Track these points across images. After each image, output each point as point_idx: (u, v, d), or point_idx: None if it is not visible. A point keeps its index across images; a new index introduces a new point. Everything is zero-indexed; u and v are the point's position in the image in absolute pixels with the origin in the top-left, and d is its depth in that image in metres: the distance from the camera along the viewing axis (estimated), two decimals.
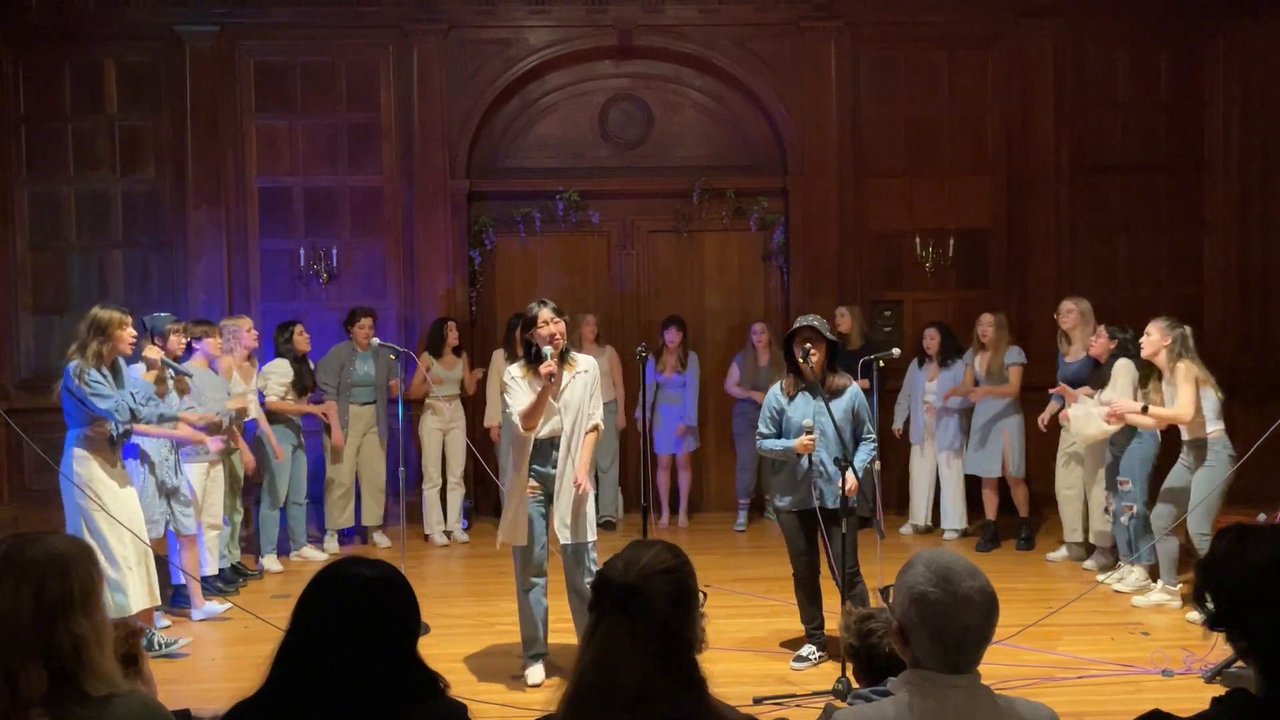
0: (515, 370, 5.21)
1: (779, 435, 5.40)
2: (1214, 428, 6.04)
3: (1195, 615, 5.98)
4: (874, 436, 5.44)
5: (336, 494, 7.87)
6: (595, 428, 5.25)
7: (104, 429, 5.34)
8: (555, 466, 5.17)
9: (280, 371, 7.37)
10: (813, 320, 5.37)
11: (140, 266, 8.70)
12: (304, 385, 7.52)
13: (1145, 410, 6.13)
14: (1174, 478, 6.21)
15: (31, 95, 8.59)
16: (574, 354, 5.30)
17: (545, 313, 5.13)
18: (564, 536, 5.14)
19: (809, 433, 5.19)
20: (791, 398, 5.37)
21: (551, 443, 5.18)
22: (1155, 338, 6.15)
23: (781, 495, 5.43)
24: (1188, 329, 6.18)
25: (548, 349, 5.06)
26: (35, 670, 1.96)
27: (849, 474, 5.09)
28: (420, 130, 8.66)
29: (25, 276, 8.64)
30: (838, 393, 5.34)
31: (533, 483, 5.17)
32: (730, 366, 8.52)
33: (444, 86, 8.67)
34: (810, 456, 5.21)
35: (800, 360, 5.28)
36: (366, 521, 8.04)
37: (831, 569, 5.30)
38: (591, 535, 5.19)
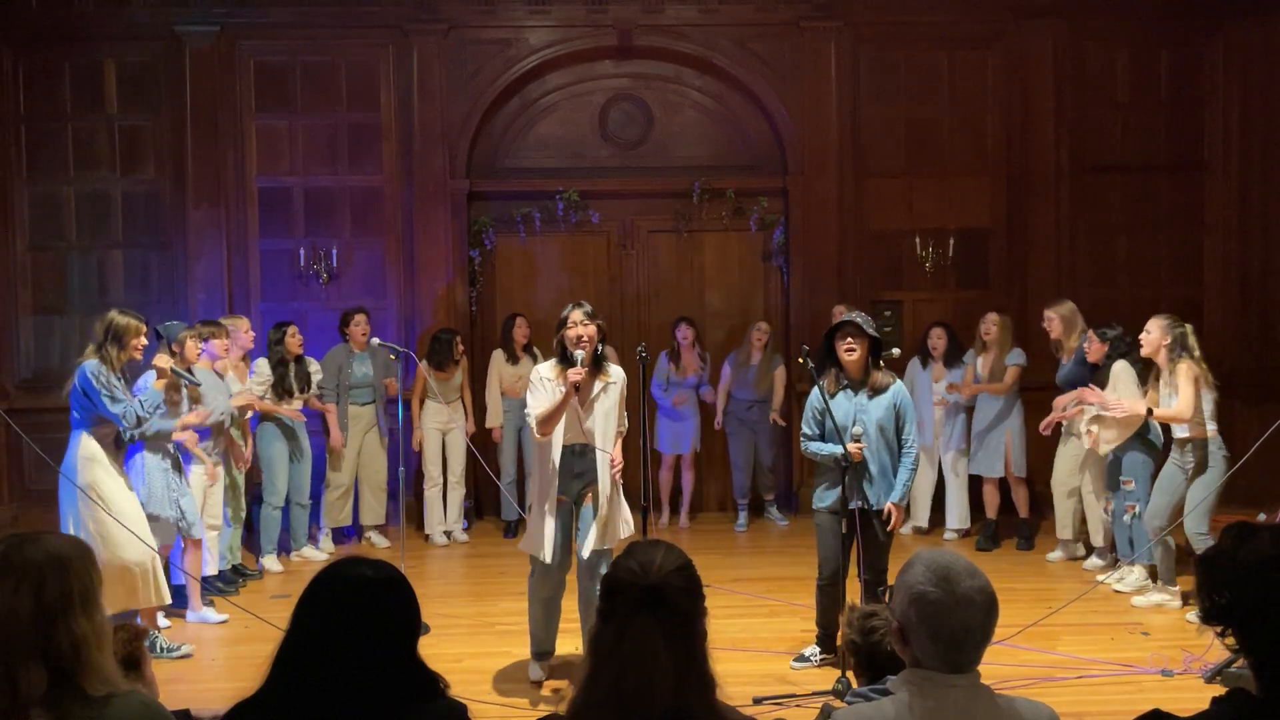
0: (545, 369, 5.03)
1: (822, 436, 5.26)
2: (1211, 428, 6.05)
3: (1195, 615, 6.00)
4: (915, 445, 5.24)
5: (335, 494, 7.86)
6: (620, 433, 5.16)
7: (110, 431, 5.38)
8: (579, 476, 5.02)
9: (260, 373, 7.32)
10: (855, 316, 5.26)
11: (140, 266, 8.69)
12: (286, 387, 7.40)
13: (1150, 413, 6.11)
14: (1166, 478, 6.19)
15: (31, 95, 8.59)
16: (608, 363, 5.13)
17: (577, 314, 4.96)
18: (592, 544, 5.00)
19: (857, 440, 5.07)
20: (833, 396, 5.21)
21: (572, 450, 5.01)
22: (1155, 335, 6.14)
23: (823, 495, 5.31)
24: (1189, 327, 6.17)
25: (579, 353, 4.88)
26: (35, 670, 1.96)
27: (892, 506, 5.09)
28: (420, 130, 8.66)
29: (25, 276, 8.63)
30: (880, 390, 5.21)
31: (559, 495, 5.03)
32: (722, 367, 8.51)
33: (444, 86, 8.66)
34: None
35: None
36: (366, 520, 8.02)
37: (860, 571, 5.13)
38: (625, 532, 5.06)
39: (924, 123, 8.96)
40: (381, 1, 8.63)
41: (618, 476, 5.08)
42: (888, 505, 5.14)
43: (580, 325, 4.92)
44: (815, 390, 5.28)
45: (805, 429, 5.32)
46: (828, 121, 8.80)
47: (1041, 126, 8.89)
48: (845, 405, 5.20)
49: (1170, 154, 9.07)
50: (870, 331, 5.18)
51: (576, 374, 4.84)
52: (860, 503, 5.12)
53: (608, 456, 5.01)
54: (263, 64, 8.70)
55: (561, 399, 4.88)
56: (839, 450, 5.07)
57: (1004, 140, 8.94)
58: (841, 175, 8.84)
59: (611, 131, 9.06)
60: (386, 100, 8.72)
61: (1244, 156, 9.01)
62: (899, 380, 5.33)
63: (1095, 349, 6.74)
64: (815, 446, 5.25)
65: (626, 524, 5.15)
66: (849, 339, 5.18)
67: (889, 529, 5.13)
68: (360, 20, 8.64)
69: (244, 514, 7.24)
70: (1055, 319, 7.22)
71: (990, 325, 7.65)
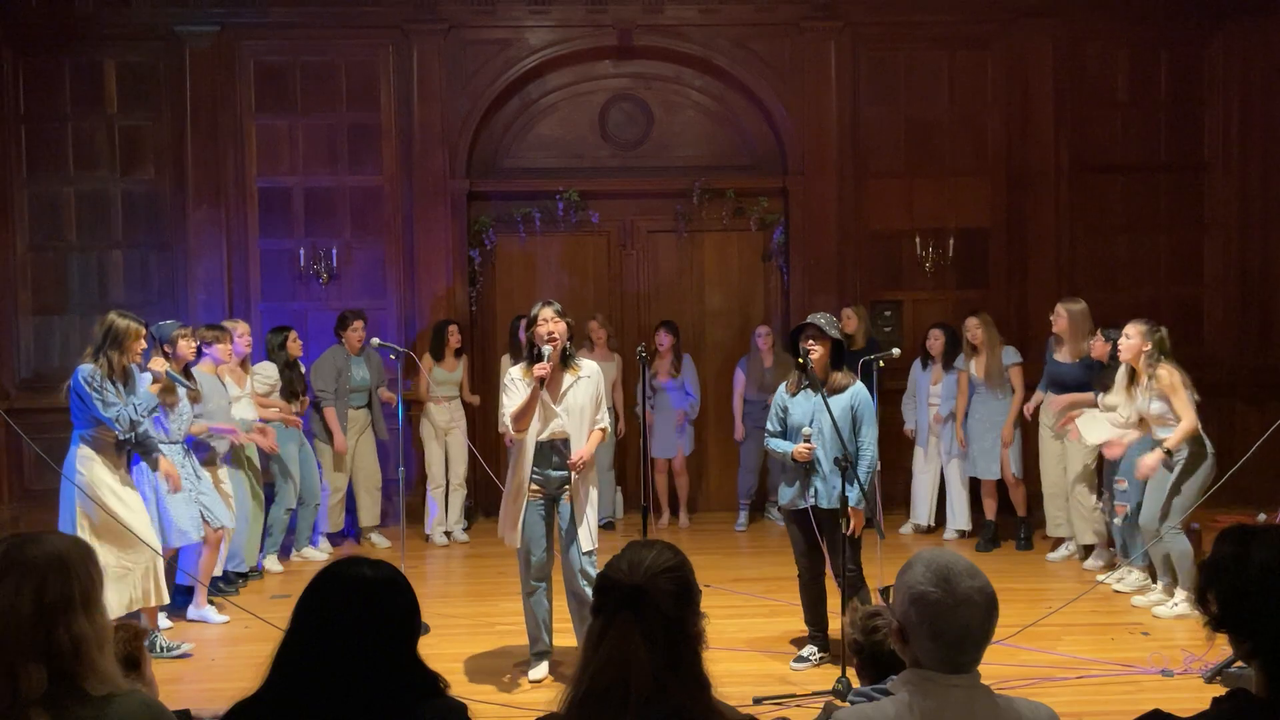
0: (515, 371, 5.20)
1: (784, 434, 5.39)
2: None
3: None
4: (870, 449, 5.28)
5: (336, 499, 7.85)
6: (601, 430, 5.24)
7: (108, 433, 5.38)
8: (558, 470, 5.14)
9: (264, 374, 7.32)
10: (818, 318, 5.35)
11: (140, 266, 8.69)
12: (293, 390, 7.42)
13: (1169, 454, 5.97)
14: (1156, 479, 6.16)
15: (31, 95, 8.59)
16: (578, 359, 5.28)
17: (546, 312, 5.12)
18: (582, 545, 5.12)
19: (807, 440, 5.17)
20: (794, 396, 5.37)
21: (551, 445, 5.14)
22: (1135, 341, 6.12)
23: (783, 492, 5.46)
24: (1164, 330, 6.13)
25: (546, 349, 5.04)
26: (35, 670, 1.97)
27: (852, 511, 5.07)
28: (420, 130, 8.66)
29: (25, 276, 8.63)
30: (838, 391, 5.30)
31: (534, 486, 5.14)
32: (735, 372, 8.49)
33: (444, 86, 8.67)
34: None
35: (798, 359, 5.28)
36: (364, 522, 8.02)
37: (833, 570, 5.27)
38: (589, 545, 5.14)
39: (924, 123, 8.96)
40: (381, 1, 8.63)
41: (581, 470, 5.10)
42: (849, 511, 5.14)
43: (550, 322, 5.09)
44: (780, 389, 5.49)
45: (768, 426, 5.48)
46: (828, 121, 8.79)
47: (1041, 126, 8.89)
48: (805, 404, 5.29)
49: (1170, 154, 9.07)
50: (832, 333, 5.29)
51: (542, 369, 5.02)
52: (813, 501, 5.22)
53: (580, 454, 5.09)
54: (263, 64, 8.69)
55: (530, 395, 5.03)
56: (789, 449, 5.24)
57: (1004, 140, 8.94)
58: (841, 175, 8.84)
59: (611, 131, 9.06)
60: (386, 100, 8.72)
61: (1244, 156, 9.01)
62: (859, 382, 5.40)
63: (1099, 348, 6.76)
64: (774, 444, 5.41)
65: (591, 538, 5.16)
66: (810, 340, 5.28)
67: (849, 532, 5.13)
68: (360, 20, 8.63)
69: (264, 515, 7.21)
70: (1064, 314, 7.18)
71: (974, 329, 7.61)
